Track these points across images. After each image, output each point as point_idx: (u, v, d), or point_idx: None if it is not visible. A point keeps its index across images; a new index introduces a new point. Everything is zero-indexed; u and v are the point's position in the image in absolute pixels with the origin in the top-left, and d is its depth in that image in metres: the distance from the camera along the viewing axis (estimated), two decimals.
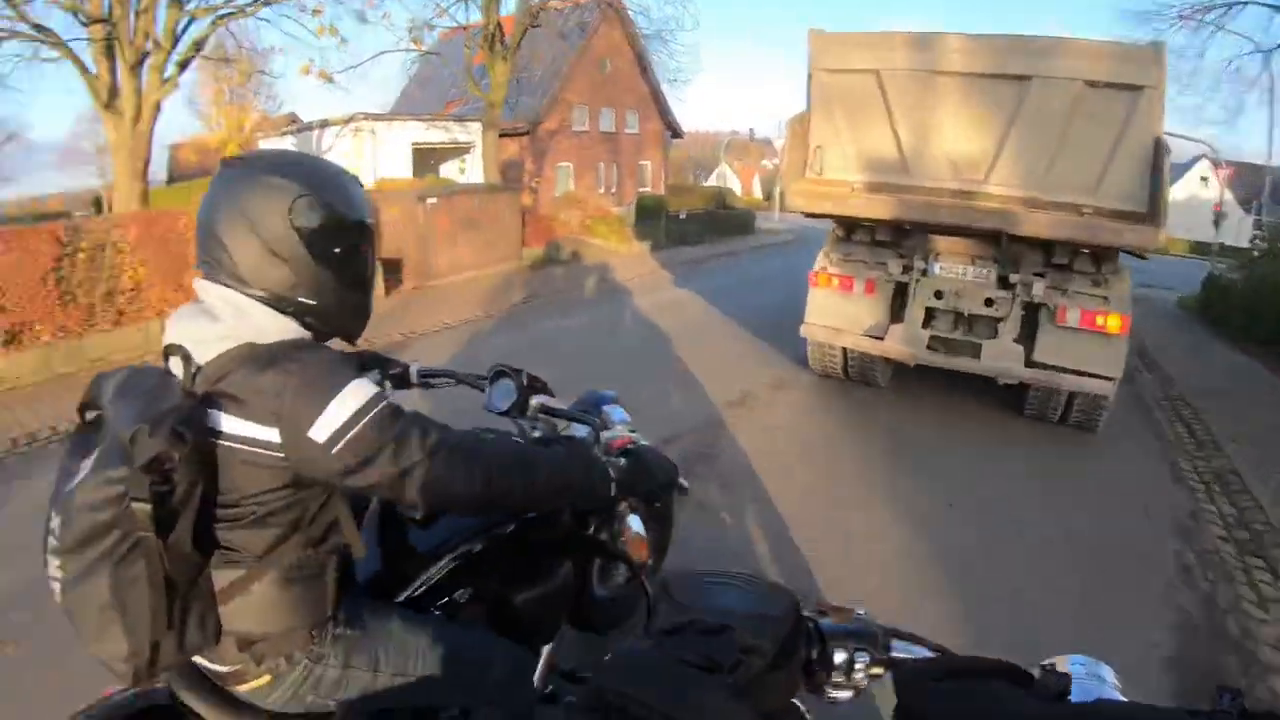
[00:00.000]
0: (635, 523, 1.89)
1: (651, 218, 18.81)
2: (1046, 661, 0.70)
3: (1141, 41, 6.98)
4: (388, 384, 1.92)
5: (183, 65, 11.67)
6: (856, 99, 5.36)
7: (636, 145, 25.75)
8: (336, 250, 1.21)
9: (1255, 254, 12.83)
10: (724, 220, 21.43)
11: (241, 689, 1.24)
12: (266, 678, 1.23)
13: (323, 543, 1.24)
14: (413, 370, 1.97)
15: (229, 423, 1.10)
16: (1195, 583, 3.57)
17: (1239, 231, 26.73)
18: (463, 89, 18.12)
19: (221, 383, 1.11)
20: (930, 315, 5.61)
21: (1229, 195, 17.92)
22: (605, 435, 1.66)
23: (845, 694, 0.75)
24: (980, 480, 4.56)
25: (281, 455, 1.12)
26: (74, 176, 31.55)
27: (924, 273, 5.56)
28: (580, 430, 1.75)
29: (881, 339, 5.61)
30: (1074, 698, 0.65)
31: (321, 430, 1.10)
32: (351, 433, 1.11)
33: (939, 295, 5.51)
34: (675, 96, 31.45)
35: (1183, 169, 45.05)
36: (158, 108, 11.32)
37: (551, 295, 10.63)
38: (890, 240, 5.80)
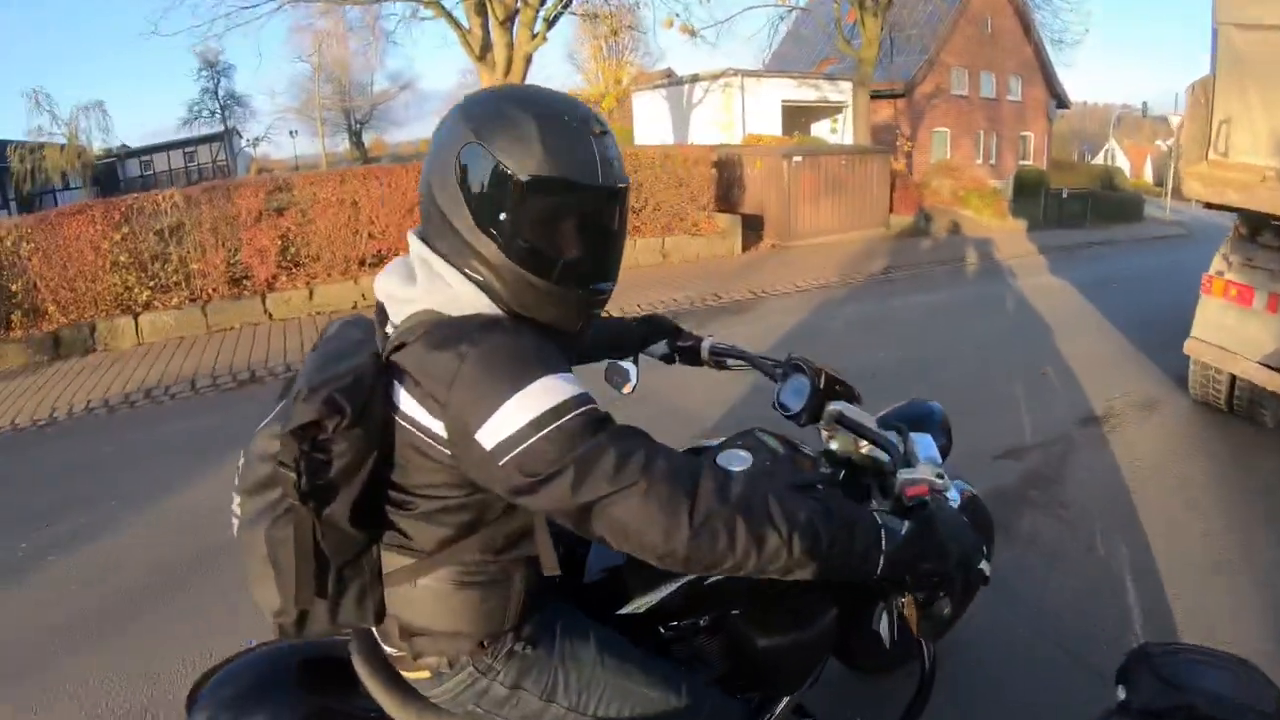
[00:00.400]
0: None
1: (1031, 194, 17.16)
2: None
3: None
4: (675, 357, 1.74)
5: (551, 21, 11.97)
6: (1275, 62, 4.08)
7: (1018, 114, 23.85)
8: (502, 215, 0.95)
9: None
10: (1110, 204, 18.94)
11: (405, 674, 1.14)
12: (426, 673, 1.11)
13: (507, 550, 1.06)
14: (705, 345, 1.72)
15: (405, 400, 0.95)
16: None
17: None
18: (834, 47, 17.29)
19: (401, 353, 0.95)
20: None
21: None
22: (901, 476, 1.22)
23: None
24: None
25: (448, 452, 0.93)
26: None
27: None
28: (880, 455, 1.45)
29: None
30: None
31: (490, 435, 0.88)
32: (525, 444, 0.88)
33: None
34: (1061, 62, 27.52)
35: None
36: (528, 60, 11.88)
37: (913, 268, 9.75)
38: None
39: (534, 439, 0.86)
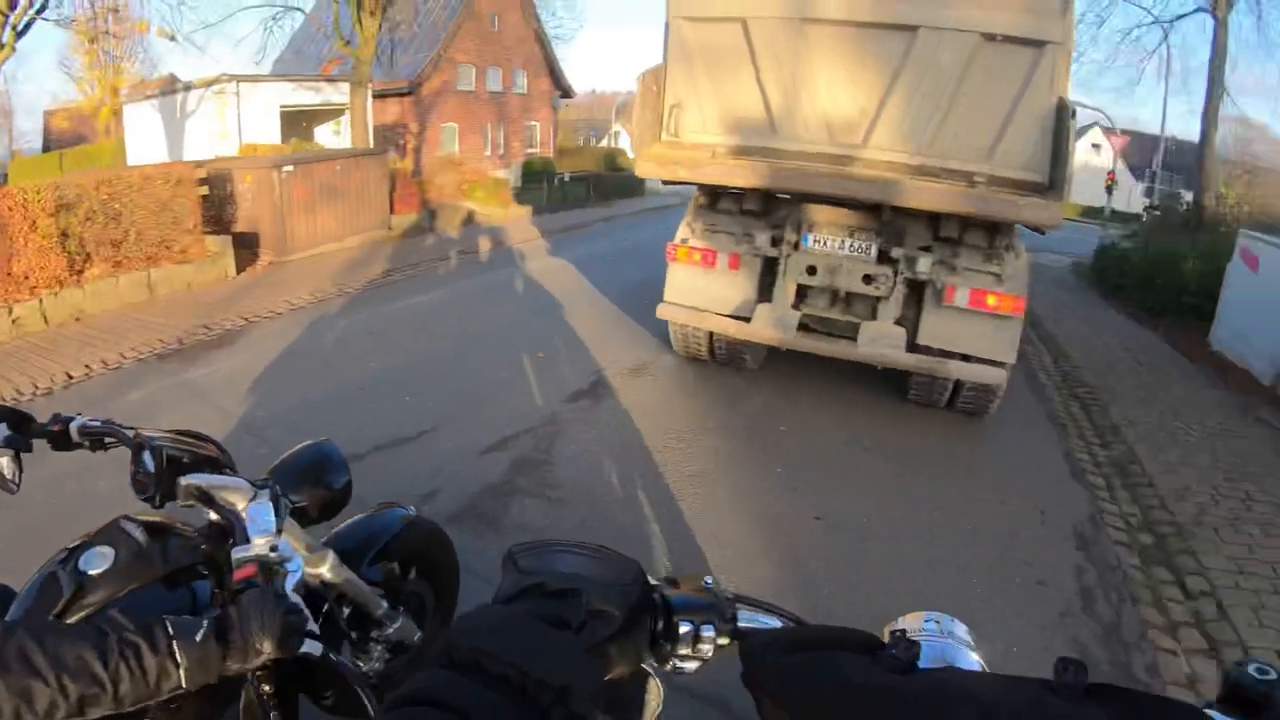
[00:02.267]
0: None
1: (539, 180, 18.42)
2: (897, 626, 0.69)
3: None
4: (31, 447, 1.48)
5: (21, 30, 10.72)
6: (719, 51, 4.69)
7: (525, 105, 25.17)
8: None
9: (1144, 220, 13.79)
10: (612, 183, 21.08)
11: None
12: None
13: None
14: (74, 427, 1.50)
15: None
16: (1096, 609, 3.14)
17: (1130, 199, 28.29)
18: (335, 48, 17.08)
19: None
20: (802, 293, 5.03)
21: (1120, 164, 18.80)
22: (235, 556, 1.16)
23: (691, 665, 0.73)
24: (853, 479, 4.13)
25: None
26: None
27: (796, 246, 4.92)
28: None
29: (748, 320, 5.00)
30: (924, 662, 0.63)
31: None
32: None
33: (812, 271, 4.86)
34: (565, 56, 30.66)
35: (1075, 136, 47.79)
36: None
37: (413, 268, 9.89)
38: (759, 210, 5.18)
39: None
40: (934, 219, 4.73)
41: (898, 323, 4.80)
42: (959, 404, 4.99)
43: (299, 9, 15.96)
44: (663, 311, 5.46)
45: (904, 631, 0.67)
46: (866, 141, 4.56)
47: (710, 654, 0.72)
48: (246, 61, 17.75)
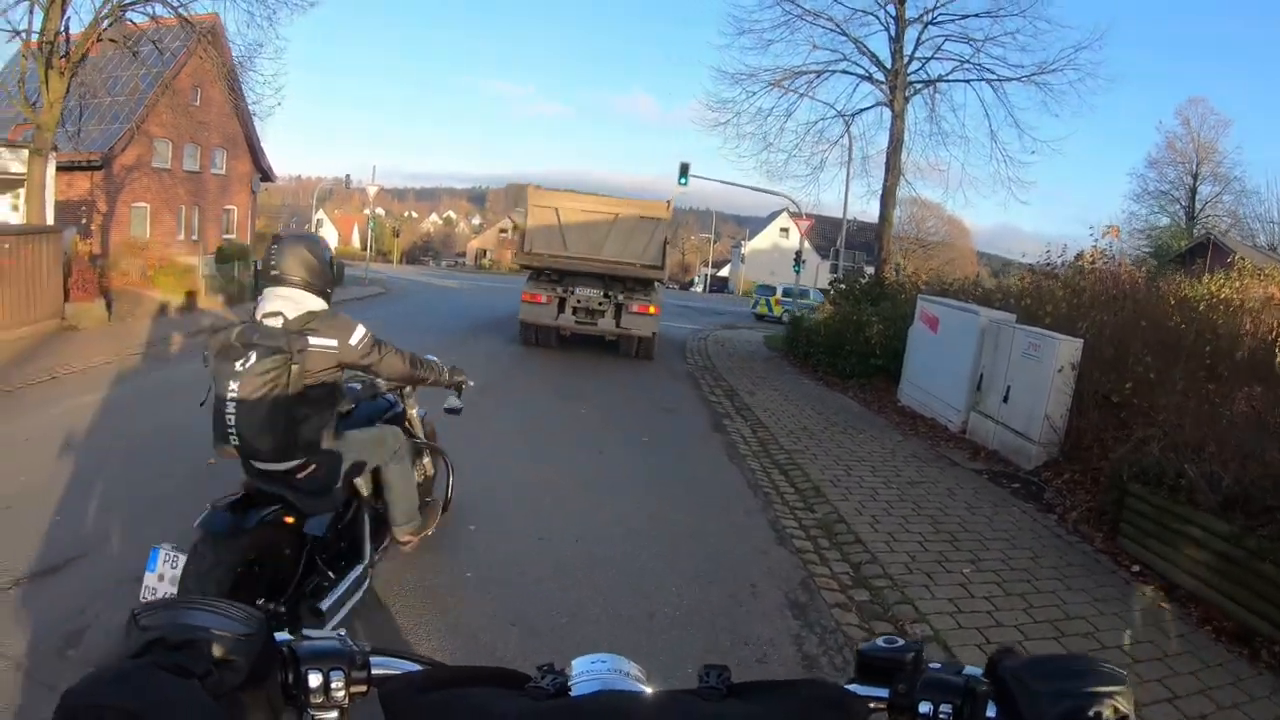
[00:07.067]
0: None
1: (232, 267, 17.65)
2: (544, 664, 0.70)
3: (660, 198, 12.75)
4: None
5: None
6: (547, 215, 11.91)
7: (223, 187, 24.26)
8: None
9: (830, 293, 15.35)
10: None
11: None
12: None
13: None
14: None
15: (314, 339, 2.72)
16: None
17: (816, 275, 31.42)
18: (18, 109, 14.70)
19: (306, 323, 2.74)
20: (574, 310, 12.04)
21: (808, 244, 20.95)
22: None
23: (330, 715, 0.72)
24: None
25: (337, 353, 2.78)
26: None
27: (571, 292, 11.98)
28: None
29: (554, 321, 12.05)
30: (579, 693, 0.65)
31: (355, 339, 2.81)
32: (364, 342, 2.83)
33: (579, 302, 11.98)
34: (270, 137, 29.01)
35: (763, 223, 54.13)
36: None
37: (82, 363, 8.75)
38: (556, 278, 12.08)
39: (365, 342, 2.85)
40: (623, 280, 11.99)
41: (612, 318, 12.01)
42: (637, 352, 12.34)
43: None
44: (522, 317, 12.27)
45: (550, 665, 0.69)
46: (600, 253, 11.86)
47: (345, 701, 0.72)
48: None
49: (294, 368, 2.61)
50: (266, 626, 0.68)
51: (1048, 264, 10.73)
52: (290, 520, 2.78)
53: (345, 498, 3.14)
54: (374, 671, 0.73)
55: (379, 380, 3.42)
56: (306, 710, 0.71)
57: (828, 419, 8.79)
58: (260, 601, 2.75)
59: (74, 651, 2.94)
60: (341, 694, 0.71)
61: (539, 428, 7.38)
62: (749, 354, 14.57)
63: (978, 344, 8.07)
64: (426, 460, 3.93)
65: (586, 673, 0.69)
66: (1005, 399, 7.43)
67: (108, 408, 6.95)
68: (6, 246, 9.97)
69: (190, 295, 14.78)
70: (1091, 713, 0.59)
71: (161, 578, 2.59)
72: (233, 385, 2.58)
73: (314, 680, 0.71)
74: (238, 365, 2.58)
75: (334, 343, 2.75)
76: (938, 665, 0.70)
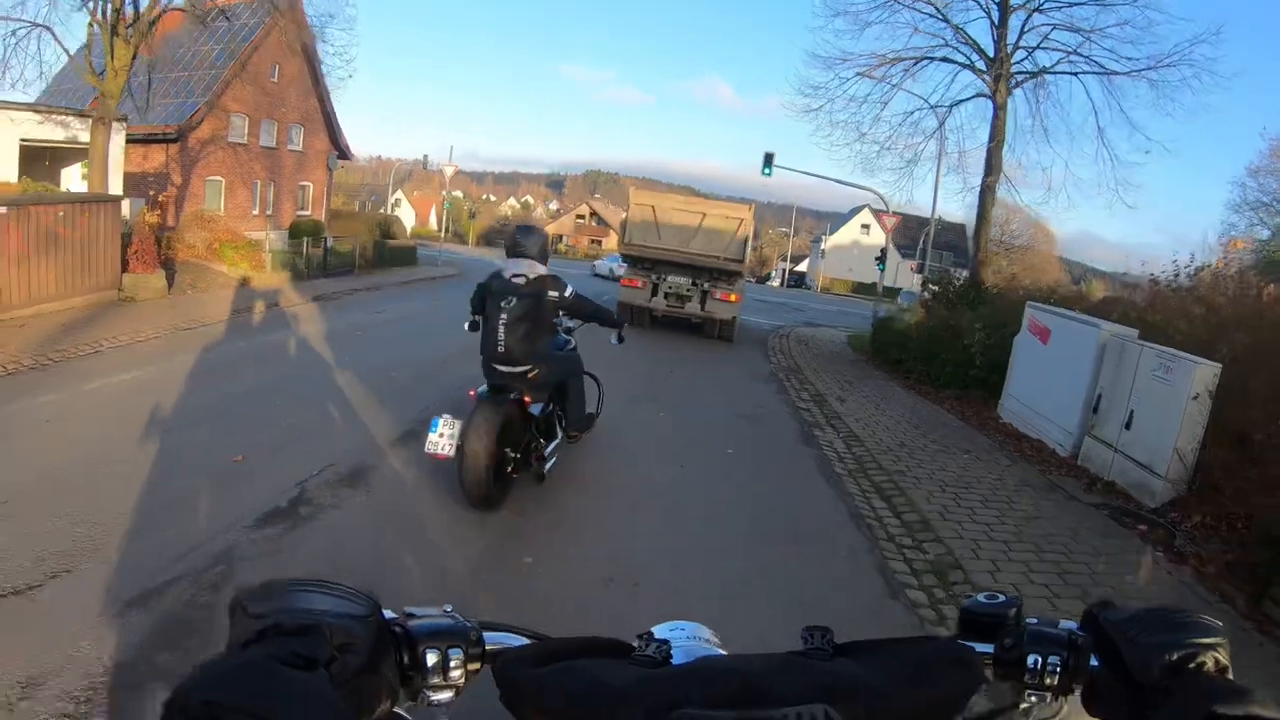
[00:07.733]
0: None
1: (305, 243, 17.67)
2: (644, 633, 0.70)
3: (745, 200, 14.64)
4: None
5: None
6: (645, 212, 13.55)
7: (299, 163, 24.31)
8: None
9: (923, 295, 14.53)
10: (384, 251, 21.23)
11: None
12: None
13: None
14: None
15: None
16: None
17: (897, 274, 30.15)
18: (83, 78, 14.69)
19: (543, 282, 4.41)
20: (665, 295, 13.62)
21: (890, 243, 19.86)
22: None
23: (445, 695, 0.69)
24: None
25: (558, 300, 4.43)
26: None
27: (663, 279, 13.57)
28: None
29: (649, 303, 13.64)
30: (676, 660, 0.65)
31: (568, 292, 4.46)
32: (573, 294, 4.50)
33: (670, 288, 13.58)
34: (349, 118, 29.61)
35: (843, 219, 52.69)
36: None
37: (130, 337, 8.59)
38: (651, 266, 13.71)
39: (572, 294, 4.50)
40: (710, 270, 13.44)
41: (699, 303, 13.53)
42: (719, 334, 13.84)
43: (47, 27, 13.59)
44: (620, 298, 13.74)
45: (651, 634, 0.69)
46: (689, 246, 13.36)
47: (462, 680, 0.70)
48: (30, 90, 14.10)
49: (541, 307, 4.29)
50: (377, 606, 0.66)
51: (1174, 274, 9.78)
52: (527, 400, 4.45)
53: (550, 394, 4.76)
54: (487, 647, 0.72)
55: (572, 321, 5.10)
56: (423, 692, 0.69)
57: (926, 434, 8.08)
58: (505, 450, 4.31)
59: (25, 704, 2.49)
60: (459, 673, 0.69)
61: (617, 445, 6.38)
62: (833, 354, 14.15)
63: (1096, 360, 7.32)
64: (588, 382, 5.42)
65: (670, 639, 0.69)
66: (1127, 425, 6.67)
67: (139, 388, 6.64)
68: (61, 214, 9.76)
69: (251, 271, 14.78)
70: (1195, 664, 0.60)
71: (442, 435, 4.11)
72: (503, 316, 4.20)
73: (431, 659, 0.68)
74: (503, 305, 4.22)
75: (556, 294, 4.35)
76: (1035, 620, 0.70)
